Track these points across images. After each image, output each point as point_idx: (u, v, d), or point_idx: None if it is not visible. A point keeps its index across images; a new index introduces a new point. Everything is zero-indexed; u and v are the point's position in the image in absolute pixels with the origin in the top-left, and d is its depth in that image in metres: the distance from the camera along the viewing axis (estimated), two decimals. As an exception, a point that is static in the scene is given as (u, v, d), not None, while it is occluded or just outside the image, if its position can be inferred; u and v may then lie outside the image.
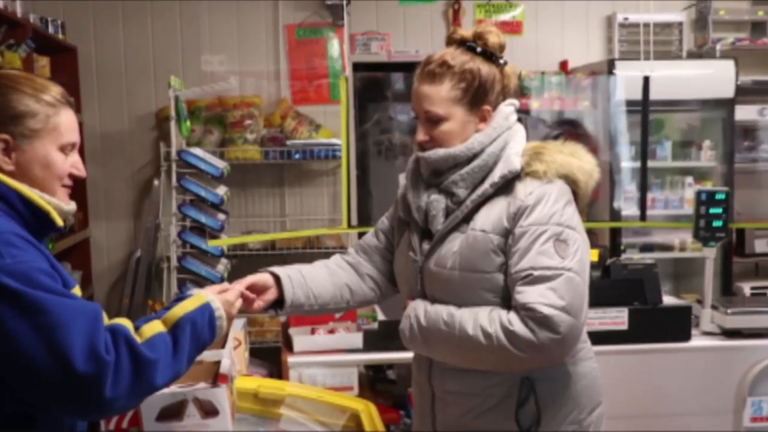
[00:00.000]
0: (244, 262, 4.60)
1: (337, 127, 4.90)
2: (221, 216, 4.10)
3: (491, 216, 1.96)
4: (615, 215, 4.68)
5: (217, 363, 2.06)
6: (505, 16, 5.13)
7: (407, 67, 5.27)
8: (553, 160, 1.96)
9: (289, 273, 2.17)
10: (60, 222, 1.70)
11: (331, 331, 3.22)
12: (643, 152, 3.50)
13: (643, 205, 3.45)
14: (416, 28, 5.13)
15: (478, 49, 1.99)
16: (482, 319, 1.90)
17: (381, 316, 3.36)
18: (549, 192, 1.93)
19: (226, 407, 2.05)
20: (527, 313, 1.84)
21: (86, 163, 4.78)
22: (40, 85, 1.70)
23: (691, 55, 5.12)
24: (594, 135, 4.71)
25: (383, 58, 5.05)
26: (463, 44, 2.01)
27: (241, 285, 2.05)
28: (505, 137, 2.01)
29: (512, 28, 5.11)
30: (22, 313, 1.47)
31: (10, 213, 1.62)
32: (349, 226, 3.54)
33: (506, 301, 1.94)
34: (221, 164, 4.18)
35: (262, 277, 2.13)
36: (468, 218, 1.99)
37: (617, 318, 3.13)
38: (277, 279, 2.15)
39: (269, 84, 4.97)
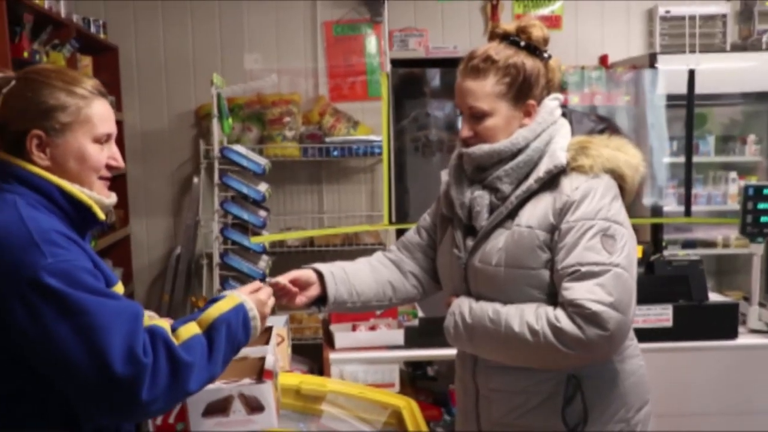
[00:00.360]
0: (282, 259, 4.62)
1: (374, 124, 4.90)
2: (262, 213, 4.11)
3: (537, 212, 1.93)
4: (657, 211, 4.61)
5: (262, 359, 2.06)
6: (544, 11, 5.08)
7: (445, 63, 5.27)
8: (600, 155, 1.93)
9: (332, 269, 2.17)
10: (102, 216, 1.70)
11: (372, 328, 3.22)
12: (688, 147, 3.44)
13: (687, 200, 3.39)
14: (454, 23, 5.09)
15: (522, 43, 1.96)
16: (528, 316, 1.88)
17: (421, 313, 3.35)
18: (595, 187, 1.90)
19: (271, 403, 2.06)
20: (575, 310, 1.82)
21: (127, 161, 4.87)
22: (71, 77, 1.68)
23: (735, 48, 5.01)
24: (635, 130, 4.64)
25: (421, 54, 5.05)
26: (507, 38, 1.98)
27: (284, 279, 2.05)
28: (550, 132, 1.98)
29: (551, 22, 5.05)
30: (63, 313, 1.47)
31: (53, 209, 1.62)
32: (390, 222, 3.53)
33: (552, 297, 1.92)
34: (263, 161, 4.20)
35: (305, 273, 2.13)
36: (513, 214, 1.96)
37: (662, 315, 3.08)
38: (320, 275, 2.14)
39: (307, 81, 4.97)
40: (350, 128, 4.80)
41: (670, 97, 4.50)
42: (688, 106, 3.26)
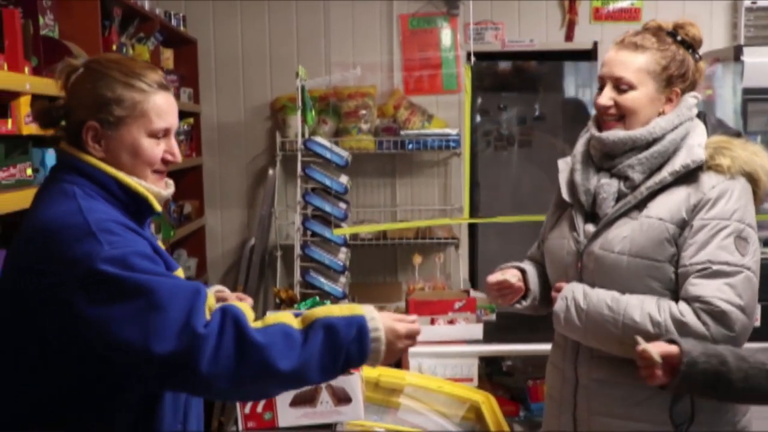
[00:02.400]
0: (356, 251, 4.64)
1: (448, 118, 4.90)
2: (343, 205, 4.12)
3: (669, 205, 1.93)
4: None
5: (348, 351, 2.08)
6: (623, 3, 4.97)
7: (520, 57, 5.21)
8: (738, 156, 1.93)
9: (526, 268, 2.23)
10: (158, 207, 1.70)
11: (451, 322, 3.20)
12: None
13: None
14: (531, 17, 5.02)
15: (679, 38, 1.99)
16: (650, 307, 1.87)
17: (499, 308, 3.32)
18: (732, 188, 1.91)
19: (359, 395, 2.07)
20: (702, 306, 1.82)
21: (202, 152, 4.94)
22: (131, 69, 1.67)
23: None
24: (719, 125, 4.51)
25: (497, 47, 4.99)
26: (659, 31, 2.01)
27: (512, 278, 2.14)
28: (686, 127, 1.98)
29: (630, 15, 4.95)
30: (120, 296, 1.49)
31: (110, 199, 1.63)
32: (471, 216, 3.51)
33: (671, 293, 1.91)
34: (345, 153, 4.21)
35: (515, 272, 2.19)
36: (641, 205, 1.96)
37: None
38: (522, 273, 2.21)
39: (383, 74, 4.96)
40: (425, 121, 4.78)
41: (753, 91, 4.37)
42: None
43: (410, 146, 4.71)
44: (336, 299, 3.86)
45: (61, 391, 1.57)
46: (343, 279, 4.11)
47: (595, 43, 4.99)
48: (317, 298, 3.35)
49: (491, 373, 3.69)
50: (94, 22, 2.86)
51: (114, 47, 3.21)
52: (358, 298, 4.13)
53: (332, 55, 4.93)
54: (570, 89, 5.64)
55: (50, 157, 2.33)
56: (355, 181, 4.74)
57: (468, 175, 3.46)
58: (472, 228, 5.13)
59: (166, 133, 1.69)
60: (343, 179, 4.18)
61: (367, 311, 1.64)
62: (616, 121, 2.00)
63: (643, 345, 1.75)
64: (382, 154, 4.87)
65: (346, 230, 4.10)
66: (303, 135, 4.29)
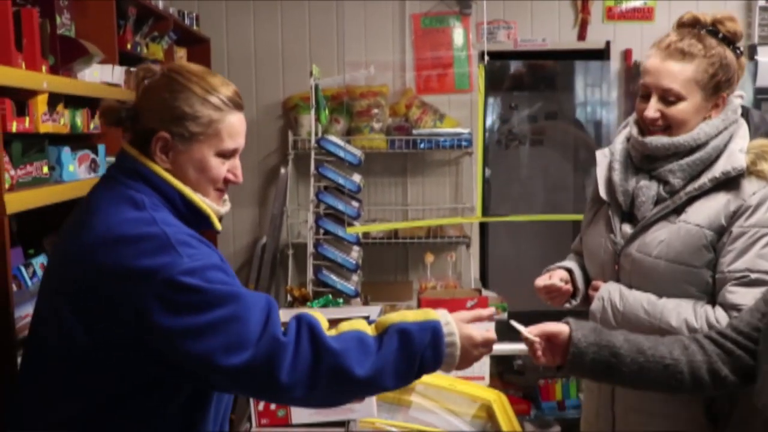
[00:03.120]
0: (367, 250, 4.64)
1: (460, 117, 4.89)
2: (356, 204, 4.13)
3: (707, 211, 1.91)
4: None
5: (361, 349, 2.09)
6: (636, 3, 4.96)
7: (532, 56, 5.20)
8: None
9: (572, 267, 2.22)
10: (219, 226, 1.72)
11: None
12: None
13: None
14: (544, 17, 5.01)
15: (720, 35, 1.94)
16: (686, 313, 1.88)
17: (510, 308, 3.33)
18: None
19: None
20: None
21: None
22: (211, 85, 1.66)
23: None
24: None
25: (509, 46, 4.99)
26: (699, 27, 1.95)
27: (558, 281, 2.13)
28: (731, 131, 1.95)
29: (644, 14, 4.93)
30: (203, 307, 1.50)
31: (173, 211, 1.64)
32: (482, 215, 3.52)
33: (708, 297, 1.90)
34: (358, 152, 4.22)
35: (564, 274, 2.19)
36: (679, 209, 1.94)
37: None
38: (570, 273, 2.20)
39: (395, 73, 4.97)
40: (436, 120, 4.78)
41: (767, 91, 4.37)
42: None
43: (422, 145, 4.72)
44: (348, 297, 3.87)
45: (117, 392, 1.57)
46: (355, 277, 4.12)
47: (608, 43, 4.98)
48: (330, 296, 3.36)
49: (502, 371, 3.71)
50: (109, 22, 2.88)
51: (129, 46, 3.22)
52: (370, 296, 4.14)
53: (345, 54, 4.94)
54: (582, 88, 5.64)
55: (66, 155, 2.35)
56: (367, 180, 4.74)
57: (481, 174, 3.47)
58: (483, 227, 5.14)
59: (233, 153, 1.70)
60: (356, 178, 4.19)
61: (442, 315, 1.64)
62: (662, 131, 1.97)
63: (521, 330, 1.80)
64: (393, 153, 4.87)
65: (358, 228, 4.11)
66: (316, 133, 4.29)
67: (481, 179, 3.50)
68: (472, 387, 2.92)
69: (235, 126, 1.68)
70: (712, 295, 1.90)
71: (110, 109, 1.70)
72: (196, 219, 1.67)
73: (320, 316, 1.62)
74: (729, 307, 1.83)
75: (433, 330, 1.60)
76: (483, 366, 3.12)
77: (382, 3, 4.98)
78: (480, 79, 3.37)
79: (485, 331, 1.69)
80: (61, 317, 1.57)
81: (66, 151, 2.35)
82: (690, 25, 1.98)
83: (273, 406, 2.13)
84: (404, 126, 4.77)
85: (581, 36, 5.00)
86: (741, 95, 2.01)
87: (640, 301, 1.94)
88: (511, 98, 5.77)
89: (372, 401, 2.02)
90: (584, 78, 5.59)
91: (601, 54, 5.03)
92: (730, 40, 1.95)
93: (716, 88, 1.94)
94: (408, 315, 1.63)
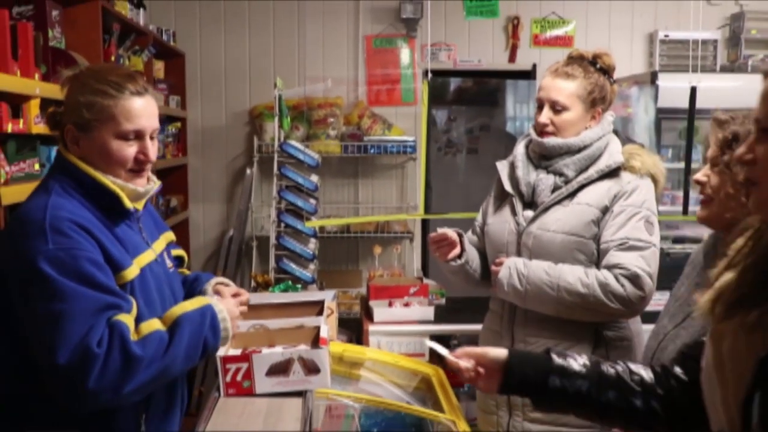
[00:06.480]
0: (323, 242, 4.66)
1: (406, 127, 4.94)
2: (313, 201, 4.15)
3: (594, 195, 2.14)
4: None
5: (316, 328, 2.11)
6: (558, 31, 5.07)
7: (469, 75, 5.27)
8: (645, 161, 2.17)
9: (461, 233, 2.37)
10: (128, 204, 1.63)
11: (406, 305, 3.25)
12: (688, 154, 3.53)
13: (686, 201, 3.42)
14: (479, 40, 5.09)
15: (598, 65, 2.20)
16: (579, 272, 2.08)
17: (448, 294, 3.38)
18: (642, 185, 2.14)
19: (326, 366, 2.09)
20: (621, 272, 2.03)
21: (188, 153, 4.88)
22: (103, 77, 1.61)
23: (724, 69, 5.00)
24: (637, 139, 4.63)
25: (449, 66, 5.05)
26: (582, 60, 2.20)
27: (452, 234, 2.26)
28: (607, 138, 2.21)
29: (565, 41, 5.04)
30: (45, 297, 1.44)
31: (86, 196, 1.59)
32: (424, 212, 3.58)
33: (594, 265, 2.12)
34: (316, 155, 4.24)
35: (455, 234, 2.32)
36: (572, 195, 2.16)
37: (660, 300, 3.10)
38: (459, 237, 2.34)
39: (349, 87, 4.99)
40: (385, 129, 4.82)
41: (666, 111, 4.50)
42: (689, 119, 3.30)
43: (372, 151, 4.75)
44: (306, 284, 3.89)
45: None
46: (312, 266, 4.14)
47: (534, 65, 5.08)
48: (290, 282, 3.37)
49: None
50: (96, 36, 2.86)
51: (113, 58, 3.19)
52: (325, 282, 4.17)
53: (305, 69, 4.95)
54: (512, 104, 5.74)
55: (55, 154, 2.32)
56: (323, 180, 4.76)
57: (423, 177, 3.52)
58: (425, 223, 5.18)
59: (137, 135, 1.62)
60: (314, 178, 4.21)
61: (211, 300, 1.70)
62: (552, 134, 2.20)
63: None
64: (347, 157, 4.90)
65: (316, 223, 4.13)
66: (279, 139, 4.30)
67: (423, 181, 3.55)
68: (414, 363, 2.95)
69: (132, 109, 1.60)
70: (596, 264, 2.12)
71: (48, 115, 1.68)
72: (108, 200, 1.60)
73: (129, 320, 1.53)
74: (612, 267, 2.06)
75: (211, 313, 1.65)
76: (423, 345, 3.17)
77: (338, 25, 5.00)
78: (424, 93, 3.42)
79: (228, 298, 1.81)
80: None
81: (55, 150, 2.33)
82: (577, 58, 2.22)
83: (239, 377, 2.13)
84: (357, 133, 4.79)
85: (512, 58, 5.09)
86: (613, 114, 2.26)
87: (542, 265, 2.13)
88: (451, 111, 5.83)
89: (326, 374, 2.04)
90: (514, 95, 5.69)
91: (529, 74, 5.12)
92: (605, 70, 2.21)
93: (593, 103, 2.19)
94: (186, 305, 1.65)
